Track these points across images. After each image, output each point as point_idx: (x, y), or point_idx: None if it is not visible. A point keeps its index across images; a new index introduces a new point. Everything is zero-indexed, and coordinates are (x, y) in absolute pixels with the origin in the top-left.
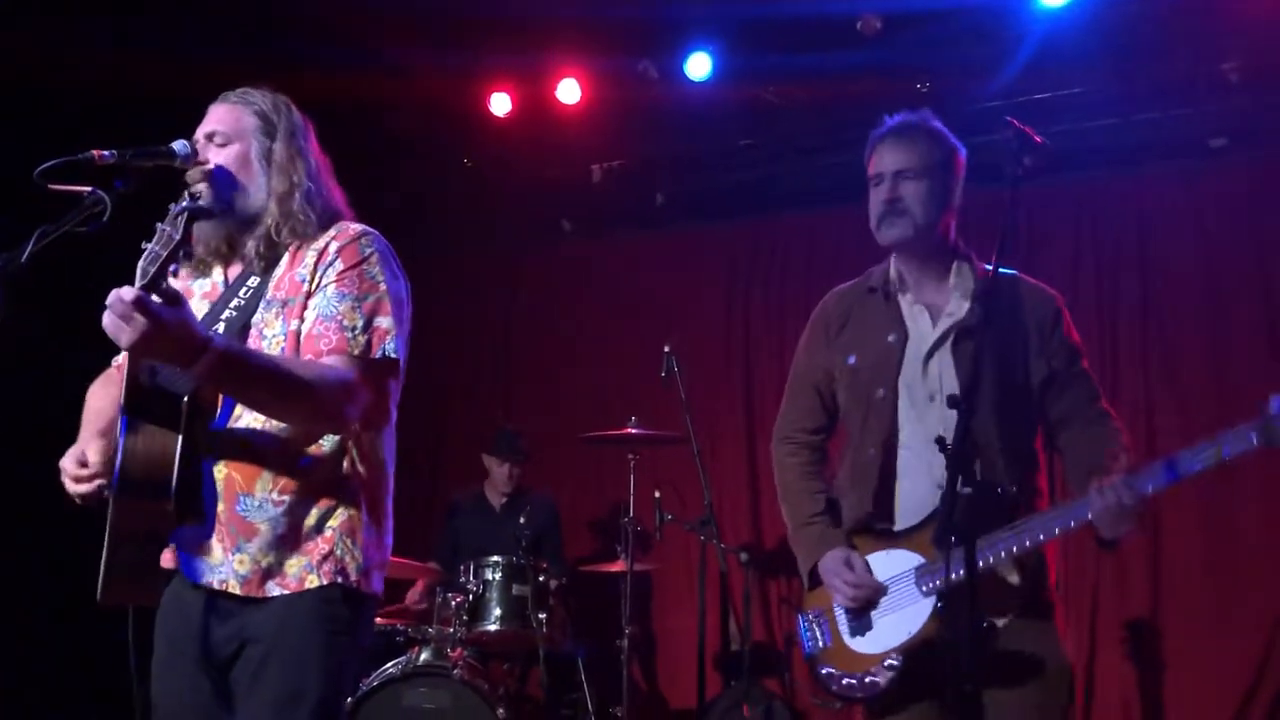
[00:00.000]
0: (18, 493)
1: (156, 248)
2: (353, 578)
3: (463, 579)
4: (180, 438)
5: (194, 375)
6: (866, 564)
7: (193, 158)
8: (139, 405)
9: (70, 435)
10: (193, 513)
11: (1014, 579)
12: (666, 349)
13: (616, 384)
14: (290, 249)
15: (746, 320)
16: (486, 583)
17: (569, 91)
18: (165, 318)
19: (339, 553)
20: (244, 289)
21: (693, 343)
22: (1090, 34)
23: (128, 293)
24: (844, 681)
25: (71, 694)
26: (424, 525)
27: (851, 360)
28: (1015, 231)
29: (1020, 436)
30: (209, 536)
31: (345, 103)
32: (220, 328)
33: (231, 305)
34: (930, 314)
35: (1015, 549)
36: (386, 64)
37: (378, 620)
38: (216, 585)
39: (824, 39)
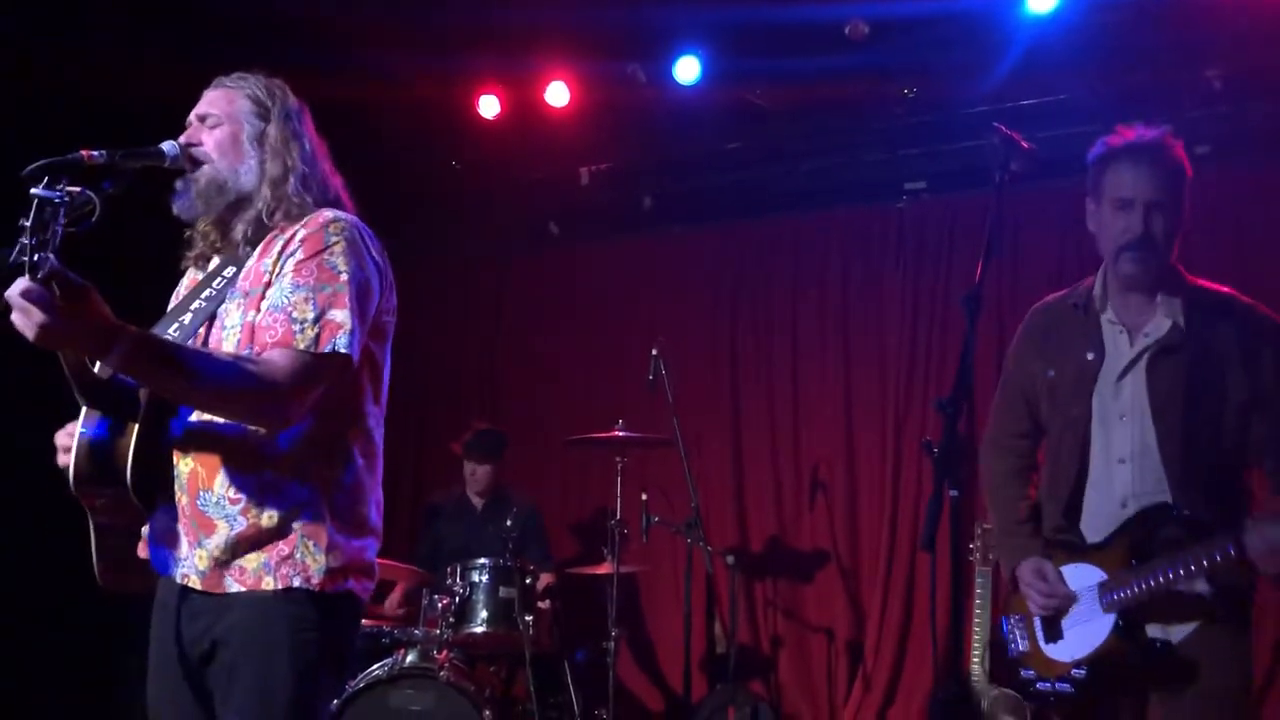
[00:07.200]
0: (16, 496)
1: (23, 239)
2: (314, 580)
3: (449, 581)
4: (137, 428)
5: (110, 364)
6: (1059, 574)
7: (181, 155)
8: (97, 396)
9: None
10: (153, 504)
11: (1201, 589)
12: (654, 352)
13: (603, 386)
14: (269, 236)
15: (733, 323)
16: (473, 585)
17: (557, 94)
18: (60, 307)
19: (299, 555)
20: (219, 279)
21: (680, 345)
22: (1076, 41)
23: (17, 286)
24: (1039, 686)
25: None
26: (408, 528)
27: (1051, 374)
28: (1001, 236)
29: (1212, 455)
30: (176, 529)
31: (333, 104)
32: (186, 319)
33: (203, 296)
34: (1129, 334)
35: (1175, 574)
36: (375, 66)
37: (363, 622)
38: (179, 579)
39: (812, 43)
